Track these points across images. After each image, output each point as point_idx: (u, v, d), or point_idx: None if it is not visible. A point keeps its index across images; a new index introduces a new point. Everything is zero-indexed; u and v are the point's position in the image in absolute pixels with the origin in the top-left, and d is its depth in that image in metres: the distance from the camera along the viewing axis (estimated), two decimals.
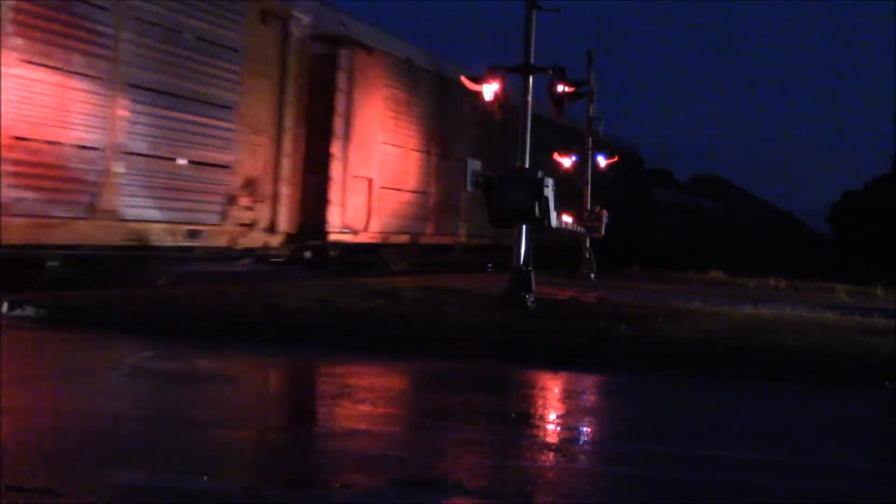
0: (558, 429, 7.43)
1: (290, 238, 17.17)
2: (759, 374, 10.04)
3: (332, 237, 18.51)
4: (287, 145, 16.93)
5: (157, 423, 6.72)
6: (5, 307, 11.34)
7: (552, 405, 8.57)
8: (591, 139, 26.77)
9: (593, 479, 5.89)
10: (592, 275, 24.78)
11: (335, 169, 18.49)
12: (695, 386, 9.74)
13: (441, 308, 13.12)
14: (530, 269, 14.83)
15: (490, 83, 14.98)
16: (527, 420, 7.62)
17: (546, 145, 22.15)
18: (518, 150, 15.27)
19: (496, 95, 15.04)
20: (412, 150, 21.84)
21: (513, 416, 7.76)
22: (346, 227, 18.82)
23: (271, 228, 16.55)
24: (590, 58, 26.26)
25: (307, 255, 18.71)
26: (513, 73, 15.31)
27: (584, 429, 7.55)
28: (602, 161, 27.75)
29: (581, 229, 24.39)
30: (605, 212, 25.61)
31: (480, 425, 7.33)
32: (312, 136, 17.78)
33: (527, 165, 15.16)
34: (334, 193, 18.48)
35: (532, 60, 15.33)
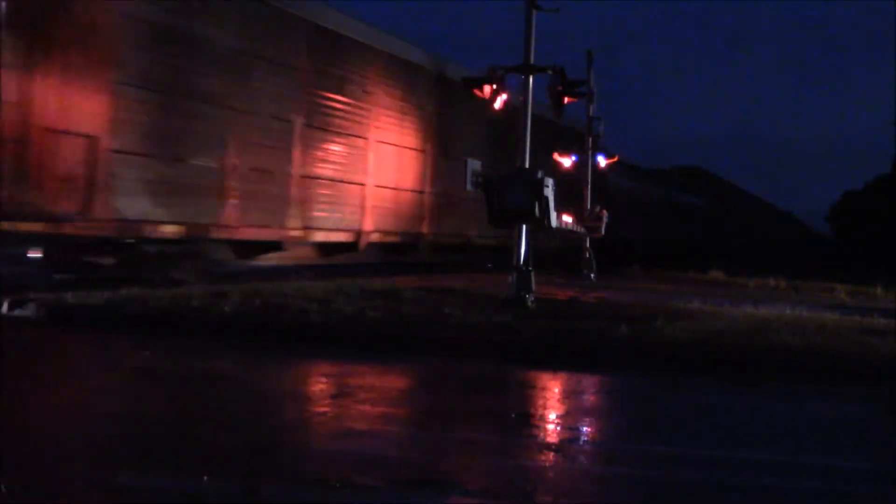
0: (558, 429, 7.43)
1: None
2: (759, 374, 10.03)
3: (5, 226, 12.52)
4: None
5: (156, 422, 6.72)
6: (5, 307, 11.34)
7: (552, 405, 8.57)
8: (591, 139, 26.76)
9: (593, 479, 5.89)
10: (592, 275, 24.78)
11: (3, 118, 12.22)
12: (695, 386, 9.73)
13: (441, 308, 13.12)
14: (530, 269, 14.83)
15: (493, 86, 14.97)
16: (527, 420, 7.62)
17: (546, 145, 21.83)
18: (518, 150, 15.27)
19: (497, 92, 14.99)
20: (201, 101, 15.21)
21: (513, 416, 7.77)
22: (37, 212, 12.80)
23: None
24: (590, 58, 26.22)
25: (36, 253, 13.65)
26: (513, 72, 15.32)
27: (584, 429, 7.54)
28: (602, 161, 27.67)
29: (581, 229, 24.39)
30: (605, 212, 25.61)
31: (480, 425, 7.32)
32: None
33: (527, 165, 15.16)
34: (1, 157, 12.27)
35: (532, 60, 15.33)
